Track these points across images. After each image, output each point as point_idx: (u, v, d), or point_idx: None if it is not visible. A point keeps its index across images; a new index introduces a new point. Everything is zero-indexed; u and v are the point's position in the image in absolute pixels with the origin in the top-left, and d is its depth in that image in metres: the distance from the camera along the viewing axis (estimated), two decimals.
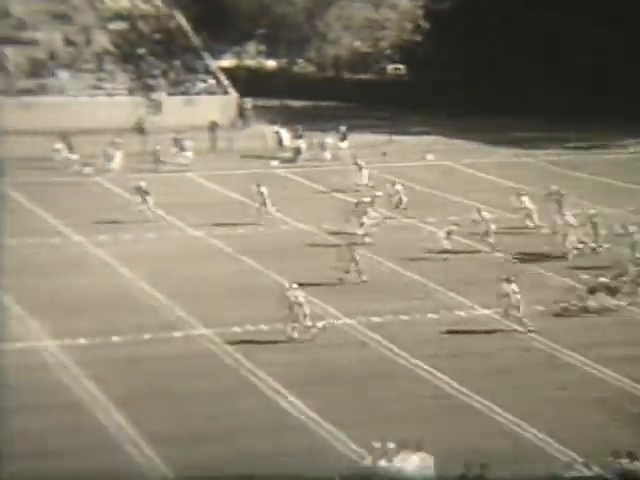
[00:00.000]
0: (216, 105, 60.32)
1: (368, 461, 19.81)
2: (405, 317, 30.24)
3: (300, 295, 28.31)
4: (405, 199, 42.04)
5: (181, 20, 66.52)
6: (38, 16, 61.69)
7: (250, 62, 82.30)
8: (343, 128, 54.93)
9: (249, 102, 63.30)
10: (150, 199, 39.61)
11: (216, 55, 72.53)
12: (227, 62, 78.22)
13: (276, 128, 56.61)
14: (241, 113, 62.30)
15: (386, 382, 25.77)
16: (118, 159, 49.26)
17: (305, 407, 24.11)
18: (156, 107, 59.70)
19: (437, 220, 39.03)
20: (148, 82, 60.94)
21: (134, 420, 23.27)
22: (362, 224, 37.44)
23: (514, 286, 29.10)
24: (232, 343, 27.92)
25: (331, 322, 29.64)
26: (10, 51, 58.93)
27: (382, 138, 58.41)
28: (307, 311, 28.28)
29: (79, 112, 55.90)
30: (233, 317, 29.66)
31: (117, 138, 50.05)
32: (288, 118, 60.24)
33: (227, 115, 60.55)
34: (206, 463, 21.34)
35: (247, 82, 66.54)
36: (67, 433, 22.74)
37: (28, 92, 57.32)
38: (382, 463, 19.35)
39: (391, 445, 19.44)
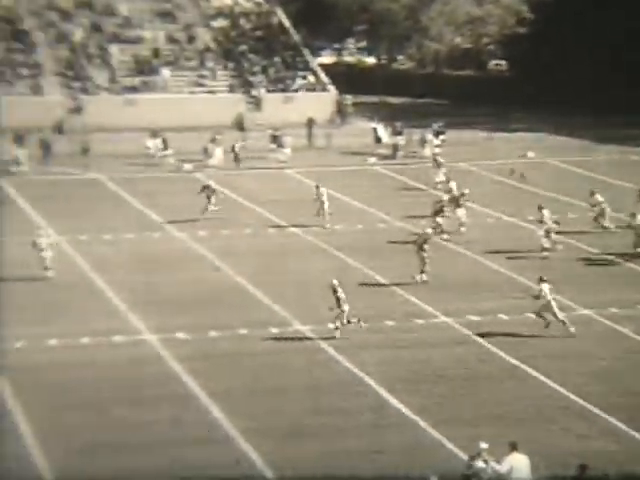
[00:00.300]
0: (315, 102, 60.53)
1: (466, 461, 19.69)
2: (504, 317, 29.97)
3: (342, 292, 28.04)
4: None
5: (282, 17, 66.90)
6: (143, 14, 62.65)
7: (349, 58, 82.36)
8: (437, 125, 54.60)
9: (348, 99, 63.38)
10: (214, 198, 39.43)
11: (316, 52, 72.84)
12: (327, 59, 78.46)
13: (374, 125, 56.57)
14: (340, 110, 62.40)
15: (484, 382, 25.58)
16: (218, 156, 49.78)
17: (403, 406, 24.07)
18: (256, 104, 60.19)
19: (534, 218, 38.49)
20: (248, 79, 61.44)
21: (232, 415, 23.51)
22: (438, 223, 37.03)
23: (544, 286, 28.45)
24: (328, 339, 27.99)
25: (431, 321, 29.57)
26: (115, 49, 59.96)
27: (481, 135, 57.93)
28: (346, 308, 27.95)
29: (180, 109, 56.67)
30: (328, 314, 29.74)
31: (217, 135, 50.57)
32: (387, 115, 60.13)
33: (326, 112, 60.73)
34: (303, 460, 21.48)
35: (346, 79, 66.62)
36: (168, 425, 23.10)
37: (132, 89, 58.29)
38: (479, 464, 19.22)
39: (485, 445, 19.29)
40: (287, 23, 66.61)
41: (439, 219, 37.31)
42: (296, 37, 66.16)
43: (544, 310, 28.47)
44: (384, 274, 33.45)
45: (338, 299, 27.87)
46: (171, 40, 62.06)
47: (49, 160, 47.96)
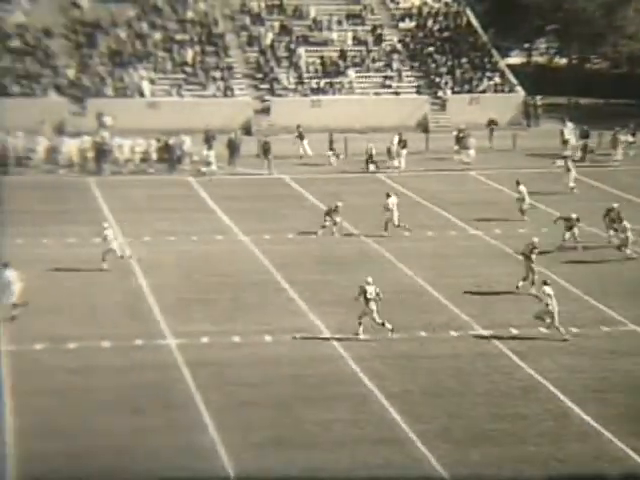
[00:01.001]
0: (501, 103, 59.72)
1: None
2: None
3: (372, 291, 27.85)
4: None
5: (470, 17, 66.28)
6: (332, 16, 63.27)
7: (539, 59, 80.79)
8: (631, 126, 52.98)
9: (537, 100, 62.23)
10: (338, 218, 38.91)
11: (504, 52, 71.78)
12: (515, 59, 77.22)
13: (565, 126, 55.27)
14: (527, 111, 61.35)
15: None
16: (403, 157, 49.78)
17: (587, 415, 23.50)
18: (440, 105, 59.89)
19: None
20: (435, 80, 61.17)
21: (409, 416, 23.48)
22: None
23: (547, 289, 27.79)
24: (509, 343, 27.54)
25: (619, 328, 28.76)
26: (302, 51, 60.82)
27: None
28: (374, 307, 27.79)
29: (365, 110, 56.96)
30: (510, 318, 29.31)
31: (402, 136, 50.53)
32: (576, 116, 58.68)
33: (511, 113, 59.83)
34: (480, 464, 21.24)
35: (535, 79, 65.37)
36: (347, 425, 23.24)
37: (318, 91, 58.99)
38: None
39: None
40: (475, 23, 65.94)
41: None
42: (484, 38, 65.42)
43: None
44: (570, 279, 32.69)
45: (367, 299, 27.75)
46: (358, 42, 62.48)
47: (236, 160, 49.03)
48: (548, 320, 28.13)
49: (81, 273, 33.10)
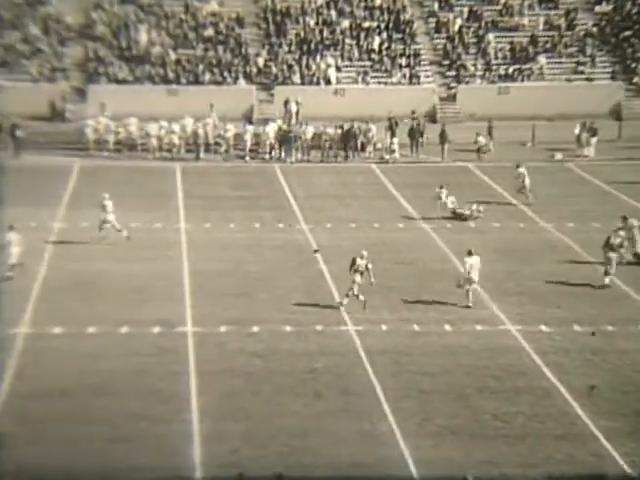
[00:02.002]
0: None
1: None
2: None
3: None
4: None
5: None
6: (524, 1, 61.96)
7: None
8: None
9: None
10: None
11: None
12: None
13: None
14: None
15: None
16: (592, 146, 48.42)
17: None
18: (636, 91, 57.83)
19: None
20: (631, 65, 59.10)
21: (593, 412, 23.00)
22: None
23: None
24: None
25: None
26: (492, 37, 59.88)
27: None
28: (358, 279, 28.66)
29: (555, 97, 55.57)
30: None
31: (592, 124, 49.14)
32: None
33: None
34: None
35: None
36: (528, 418, 22.88)
37: (506, 77, 57.99)
38: None
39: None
40: None
41: None
42: None
43: None
44: None
45: (355, 271, 28.63)
46: (550, 26, 61.02)
47: (419, 148, 48.72)
48: None
49: (265, 258, 33.66)
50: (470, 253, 29.62)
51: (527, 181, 39.70)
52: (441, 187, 38.60)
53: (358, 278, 28.84)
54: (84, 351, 26.04)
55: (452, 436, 22.06)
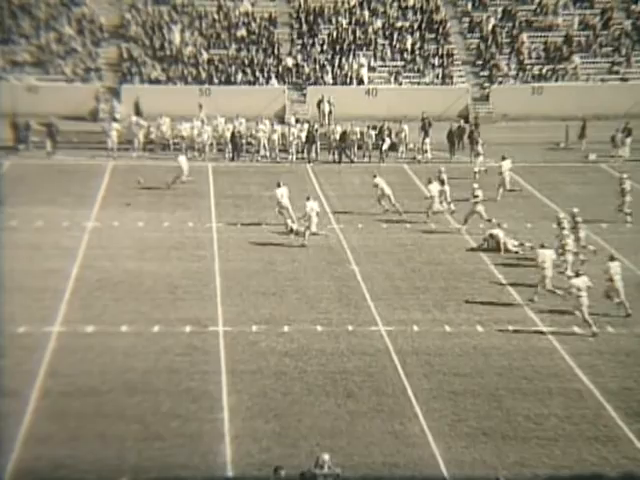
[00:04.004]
0: None
1: None
2: None
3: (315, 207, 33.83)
4: None
5: None
6: (559, 0, 61.56)
7: None
8: None
9: None
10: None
11: None
12: None
13: None
14: None
15: None
16: (627, 146, 48.05)
17: None
18: None
19: None
20: None
21: (627, 415, 22.86)
22: None
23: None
24: None
25: None
26: (525, 36, 59.56)
27: None
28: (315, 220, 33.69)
29: (589, 97, 55.18)
30: None
31: (628, 124, 48.75)
32: None
33: None
34: None
35: None
36: (560, 420, 22.79)
37: (540, 77, 57.66)
38: None
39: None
40: None
41: None
42: None
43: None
44: None
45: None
46: (585, 26, 60.63)
47: (456, 150, 48.39)
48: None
49: (296, 258, 33.65)
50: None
51: (387, 190, 38.26)
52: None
53: (314, 219, 34.32)
54: (116, 350, 26.15)
55: (484, 437, 21.97)
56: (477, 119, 51.47)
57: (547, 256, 29.93)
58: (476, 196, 36.38)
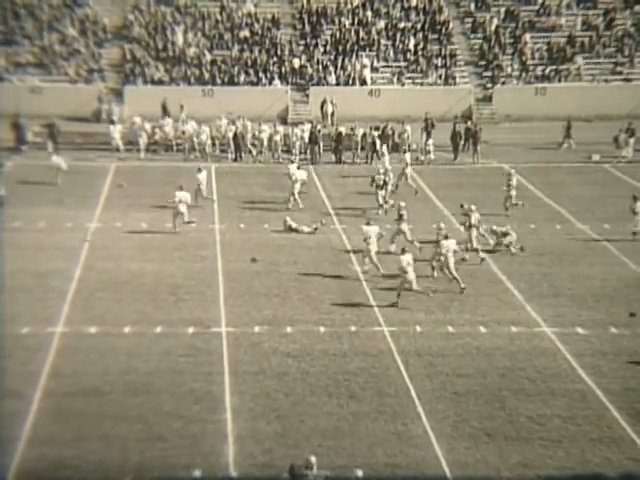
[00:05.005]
0: None
1: None
2: None
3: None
4: None
5: None
6: (562, 0, 61.54)
7: None
8: None
9: None
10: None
11: None
12: None
13: None
14: None
15: None
16: (630, 147, 48.00)
17: None
18: None
19: None
20: None
21: (629, 415, 22.86)
22: None
23: None
24: None
25: None
26: (528, 37, 59.55)
27: None
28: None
29: (592, 98, 55.13)
30: None
31: (630, 125, 48.73)
32: None
33: None
34: None
35: None
36: (562, 421, 22.79)
37: (543, 78, 57.64)
38: None
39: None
40: None
41: None
42: None
43: None
44: None
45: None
46: (588, 26, 60.59)
47: (459, 152, 48.34)
48: None
49: (299, 259, 33.66)
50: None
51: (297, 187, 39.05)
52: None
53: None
54: (119, 350, 26.16)
55: (487, 438, 21.97)
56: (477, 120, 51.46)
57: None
58: (401, 215, 35.47)
